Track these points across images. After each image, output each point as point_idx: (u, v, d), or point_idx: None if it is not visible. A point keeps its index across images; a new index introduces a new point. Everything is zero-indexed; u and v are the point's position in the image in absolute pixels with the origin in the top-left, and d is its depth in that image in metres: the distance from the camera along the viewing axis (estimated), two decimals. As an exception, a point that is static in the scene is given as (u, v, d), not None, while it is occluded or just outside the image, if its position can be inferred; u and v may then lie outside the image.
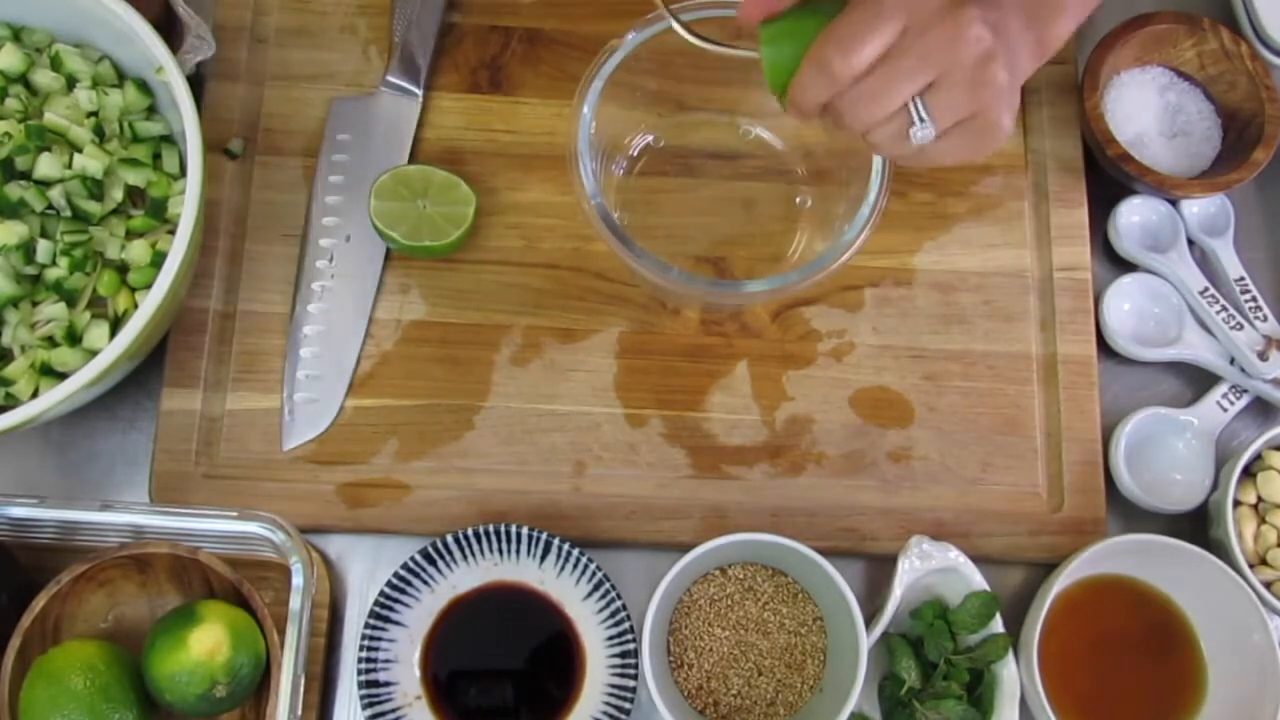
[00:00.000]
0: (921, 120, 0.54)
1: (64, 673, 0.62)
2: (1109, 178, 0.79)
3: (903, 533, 0.72)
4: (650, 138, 0.78)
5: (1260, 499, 0.73)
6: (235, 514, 0.65)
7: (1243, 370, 0.76)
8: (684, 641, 0.71)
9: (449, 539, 0.68)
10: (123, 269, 0.69)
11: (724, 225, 0.78)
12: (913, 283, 0.78)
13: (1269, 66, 0.79)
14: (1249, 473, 0.74)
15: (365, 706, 0.66)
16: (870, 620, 0.69)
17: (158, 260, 0.68)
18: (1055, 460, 0.75)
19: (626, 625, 0.68)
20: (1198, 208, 0.80)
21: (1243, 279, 0.79)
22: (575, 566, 0.69)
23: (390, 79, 0.79)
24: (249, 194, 0.78)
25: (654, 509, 0.73)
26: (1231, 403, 0.77)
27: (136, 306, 0.65)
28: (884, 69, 0.54)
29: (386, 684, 0.68)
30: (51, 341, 0.67)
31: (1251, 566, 0.71)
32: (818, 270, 0.65)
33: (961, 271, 0.79)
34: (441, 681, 0.69)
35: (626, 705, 0.67)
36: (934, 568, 0.70)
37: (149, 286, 0.64)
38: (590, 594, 0.69)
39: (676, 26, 0.61)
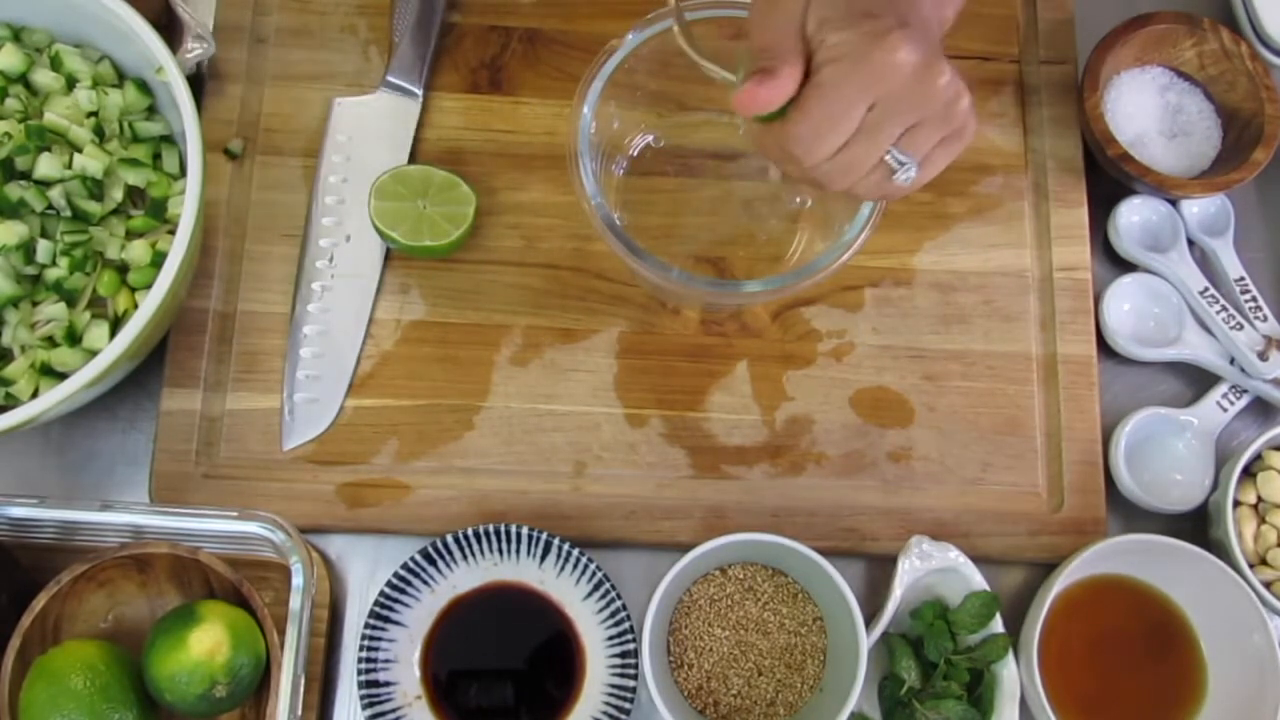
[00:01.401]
0: (903, 164, 0.55)
1: (64, 673, 0.62)
2: (1109, 178, 0.79)
3: (903, 533, 0.72)
4: (650, 138, 0.78)
5: (1260, 499, 0.73)
6: (235, 514, 0.65)
7: (1243, 370, 0.76)
8: (684, 641, 0.71)
9: (449, 539, 0.68)
10: (123, 269, 0.69)
11: (724, 225, 0.78)
12: (913, 283, 0.78)
13: (1269, 66, 0.79)
14: (1249, 473, 0.74)
15: (365, 706, 0.66)
16: (870, 620, 0.69)
17: (158, 260, 0.68)
18: (1055, 460, 0.75)
19: (626, 625, 0.68)
20: (1198, 208, 0.80)
21: (1243, 279, 0.79)
22: (575, 566, 0.69)
23: (390, 79, 0.79)
24: (249, 194, 0.78)
25: (654, 509, 0.73)
26: (1231, 403, 0.77)
27: (136, 306, 0.65)
28: (857, 144, 0.54)
29: (386, 684, 0.68)
30: (51, 341, 0.67)
31: (1251, 566, 0.71)
32: (818, 270, 0.65)
33: (961, 271, 0.79)
34: (441, 681, 0.69)
35: (626, 705, 0.67)
36: (934, 568, 0.70)
37: (149, 286, 0.64)
38: (590, 594, 0.69)
39: (679, 37, 0.60)
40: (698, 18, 0.66)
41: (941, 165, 0.57)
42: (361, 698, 0.66)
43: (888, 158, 0.55)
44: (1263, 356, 0.75)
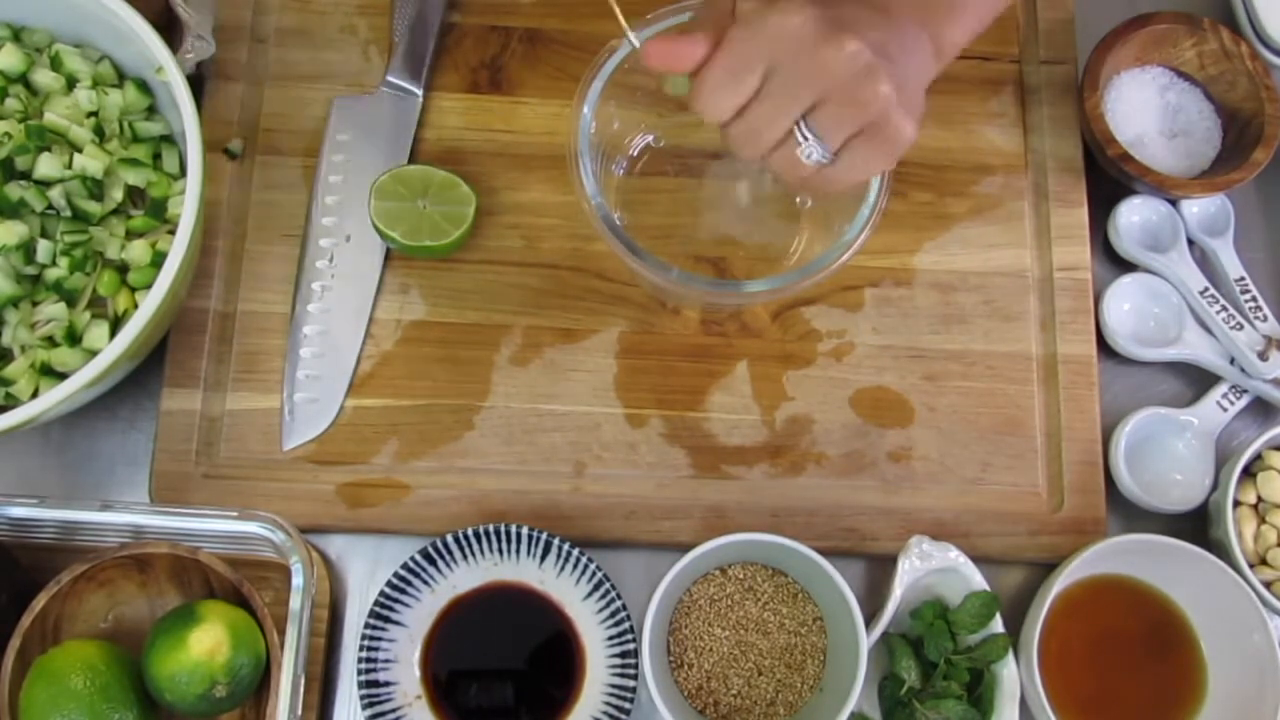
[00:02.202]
0: (806, 139, 0.55)
1: (64, 673, 0.62)
2: (1109, 178, 0.79)
3: (903, 533, 0.72)
4: (650, 138, 0.78)
5: (1260, 499, 0.73)
6: (235, 514, 0.65)
7: (1243, 370, 0.76)
8: (684, 641, 0.71)
9: (449, 539, 0.68)
10: (123, 269, 0.69)
11: (724, 225, 0.78)
12: (913, 283, 0.78)
13: (1269, 66, 0.79)
14: (1249, 473, 0.74)
15: (365, 706, 0.66)
16: (870, 620, 0.69)
17: (158, 260, 0.68)
18: (1055, 460, 0.75)
19: (626, 625, 0.68)
20: (1198, 208, 0.80)
21: (1243, 279, 0.79)
22: (575, 566, 0.69)
23: (390, 79, 0.79)
24: (249, 194, 0.78)
25: (654, 509, 0.73)
26: (1231, 403, 0.77)
27: (136, 306, 0.65)
28: (757, 107, 0.54)
29: (386, 684, 0.68)
30: (51, 341, 0.67)
31: (1251, 566, 0.71)
32: (818, 270, 0.65)
33: (961, 271, 0.79)
34: (441, 681, 0.69)
35: (626, 705, 0.67)
36: (934, 568, 0.70)
37: (149, 286, 0.64)
38: (590, 594, 0.69)
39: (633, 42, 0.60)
40: (683, 21, 0.66)
41: (869, 164, 0.56)
42: (361, 698, 0.67)
43: (796, 132, 0.55)
44: (1263, 356, 0.75)
